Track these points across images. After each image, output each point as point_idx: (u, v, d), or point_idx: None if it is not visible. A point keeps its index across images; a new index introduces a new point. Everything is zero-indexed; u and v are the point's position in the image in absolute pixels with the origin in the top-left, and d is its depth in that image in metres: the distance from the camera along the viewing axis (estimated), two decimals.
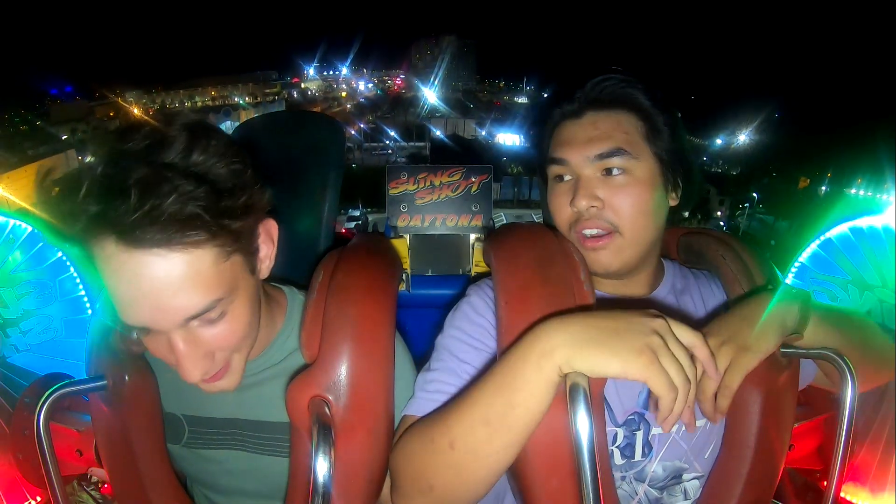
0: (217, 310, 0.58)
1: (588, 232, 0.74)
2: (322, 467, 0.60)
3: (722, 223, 24.17)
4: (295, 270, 0.87)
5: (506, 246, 0.78)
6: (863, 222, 1.13)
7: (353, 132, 43.47)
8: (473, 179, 1.18)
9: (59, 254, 1.18)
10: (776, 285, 0.81)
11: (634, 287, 0.81)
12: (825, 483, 0.70)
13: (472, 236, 1.21)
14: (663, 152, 0.74)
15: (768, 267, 0.83)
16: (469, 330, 0.76)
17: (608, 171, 0.72)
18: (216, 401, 0.77)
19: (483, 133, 43.65)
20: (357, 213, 23.10)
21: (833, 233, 1.18)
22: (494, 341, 0.73)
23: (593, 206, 0.72)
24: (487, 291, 0.78)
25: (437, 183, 1.18)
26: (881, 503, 0.96)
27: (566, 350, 0.52)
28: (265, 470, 0.76)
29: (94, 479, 0.92)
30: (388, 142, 40.35)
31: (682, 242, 0.92)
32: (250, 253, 0.62)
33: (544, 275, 0.71)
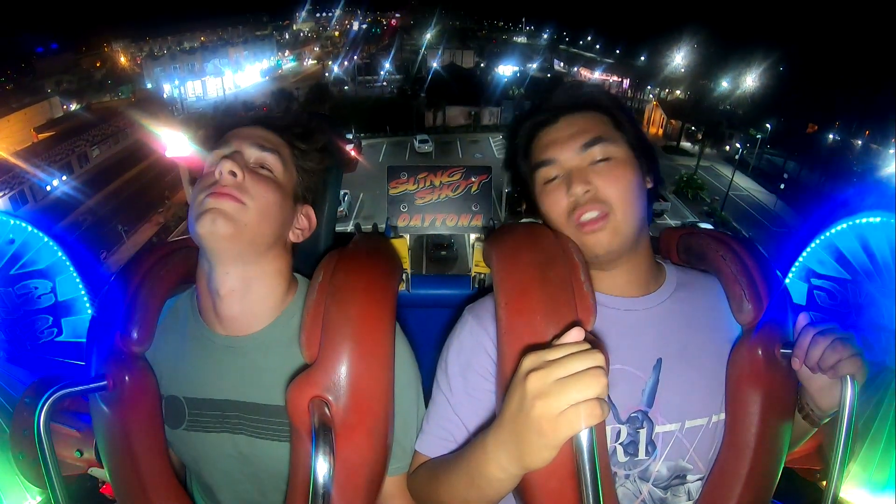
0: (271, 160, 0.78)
1: (586, 216, 0.76)
2: (322, 468, 0.61)
3: (738, 145, 23.95)
4: (295, 270, 0.87)
5: (506, 246, 0.78)
6: (863, 220, 1.13)
7: (346, 64, 44.65)
8: (473, 179, 1.18)
9: (59, 254, 1.18)
10: (776, 286, 0.81)
11: (636, 288, 0.82)
12: (825, 483, 0.70)
13: (472, 236, 1.21)
14: (632, 139, 0.81)
15: (768, 267, 0.83)
16: (462, 363, 0.78)
17: (594, 162, 0.78)
18: (217, 382, 0.77)
19: (482, 65, 43.21)
20: (350, 136, 23.08)
21: (833, 231, 1.18)
22: (493, 365, 0.75)
23: (588, 191, 0.76)
24: (481, 318, 0.80)
25: (437, 183, 1.18)
26: (881, 503, 0.96)
27: (512, 466, 0.57)
28: (264, 454, 0.76)
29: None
30: (382, 73, 40.64)
31: (682, 242, 0.91)
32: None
33: (544, 275, 0.71)
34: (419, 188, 1.19)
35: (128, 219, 17.96)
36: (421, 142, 25.85)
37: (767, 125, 23.51)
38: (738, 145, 24.14)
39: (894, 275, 1.06)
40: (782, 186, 22.06)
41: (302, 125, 0.84)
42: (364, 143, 25.94)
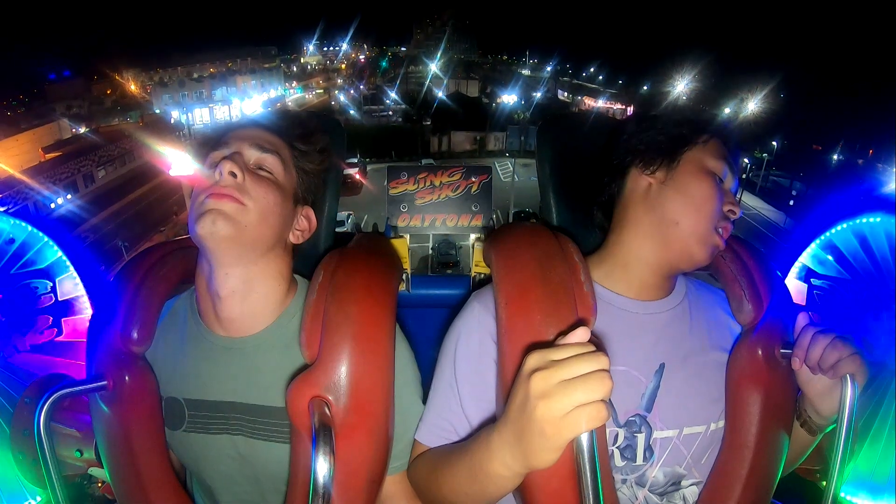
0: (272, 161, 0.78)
1: (726, 231, 0.78)
2: (322, 468, 0.60)
3: (747, 160, 24.36)
4: (295, 270, 0.87)
5: (506, 246, 0.78)
6: (863, 221, 1.13)
7: (353, 93, 45.62)
8: (473, 179, 1.18)
9: (59, 254, 1.18)
10: (776, 286, 0.81)
11: (649, 292, 0.81)
12: (825, 483, 0.70)
13: (472, 236, 1.21)
14: None
15: (768, 267, 0.83)
16: (471, 352, 0.77)
17: None
18: (217, 384, 0.77)
19: (487, 91, 43.50)
20: (355, 160, 24.49)
21: (833, 232, 1.18)
22: (495, 351, 0.74)
23: (735, 218, 0.79)
24: (488, 305, 0.78)
25: (437, 183, 1.18)
26: (881, 503, 0.96)
27: (517, 464, 0.56)
28: (264, 456, 0.76)
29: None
30: (388, 101, 41.36)
31: None
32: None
33: (544, 275, 0.71)
34: (419, 188, 1.19)
35: (130, 237, 18.12)
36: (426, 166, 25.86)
37: (774, 143, 23.76)
38: (746, 160, 24.45)
39: (894, 275, 1.06)
40: (791, 203, 22.60)
41: (301, 126, 0.84)
42: (369, 167, 26.14)
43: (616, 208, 0.84)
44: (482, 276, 1.17)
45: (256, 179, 0.74)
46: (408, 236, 1.19)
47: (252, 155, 0.77)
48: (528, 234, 0.79)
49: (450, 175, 1.18)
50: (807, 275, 1.21)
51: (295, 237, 0.83)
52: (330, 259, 0.77)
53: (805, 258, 1.21)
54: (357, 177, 21.49)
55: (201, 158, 0.78)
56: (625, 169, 0.83)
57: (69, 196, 20.95)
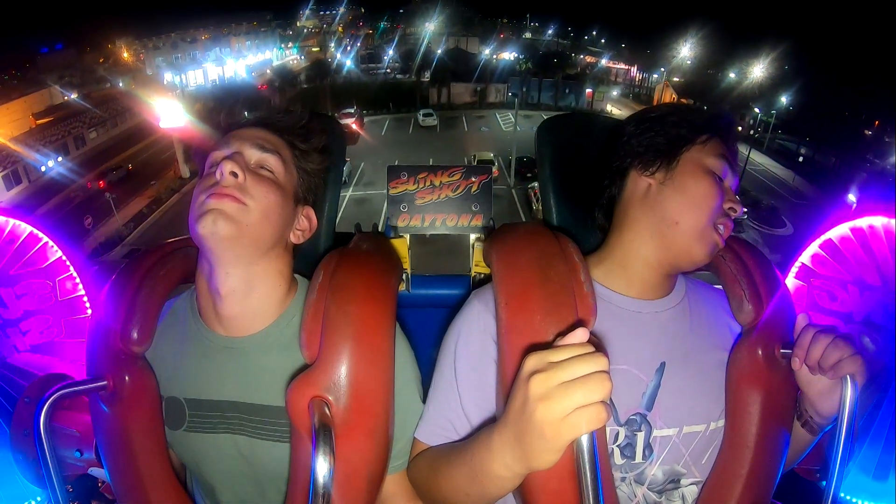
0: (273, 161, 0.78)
1: (726, 230, 0.78)
2: (322, 468, 0.60)
3: (757, 109, 24.91)
4: (295, 270, 0.87)
5: (506, 246, 0.78)
6: (863, 222, 1.13)
7: (349, 50, 46.50)
8: (473, 179, 1.18)
9: (60, 254, 1.18)
10: (776, 286, 0.81)
11: (649, 291, 0.81)
12: (825, 483, 0.70)
13: (472, 236, 1.21)
14: None
15: (768, 267, 0.83)
16: (471, 351, 0.77)
17: None
18: (217, 383, 0.77)
19: (487, 52, 43.54)
20: (351, 111, 24.83)
21: (833, 233, 1.18)
22: (495, 351, 0.74)
23: (735, 216, 0.79)
24: (489, 304, 0.77)
25: (437, 183, 1.18)
26: (881, 503, 0.96)
27: (517, 465, 0.56)
28: (264, 455, 0.76)
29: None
30: (385, 58, 41.82)
31: None
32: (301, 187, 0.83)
33: (544, 275, 0.71)
34: (419, 188, 1.18)
35: (121, 193, 18.20)
36: (425, 115, 25.62)
37: (783, 98, 24.43)
38: (757, 110, 24.98)
39: (894, 275, 1.07)
40: (801, 159, 23.41)
41: (302, 126, 0.84)
42: (367, 119, 26.28)
43: (616, 209, 0.84)
44: (482, 276, 1.17)
45: (257, 179, 0.74)
46: (408, 236, 1.19)
47: (253, 155, 0.77)
48: (528, 234, 0.79)
49: (450, 175, 1.18)
50: (807, 275, 1.21)
51: (295, 237, 0.83)
52: (330, 259, 0.77)
53: (805, 258, 1.22)
54: (354, 127, 21.50)
55: (202, 145, 0.78)
56: (624, 171, 0.83)
57: (60, 158, 21.02)
